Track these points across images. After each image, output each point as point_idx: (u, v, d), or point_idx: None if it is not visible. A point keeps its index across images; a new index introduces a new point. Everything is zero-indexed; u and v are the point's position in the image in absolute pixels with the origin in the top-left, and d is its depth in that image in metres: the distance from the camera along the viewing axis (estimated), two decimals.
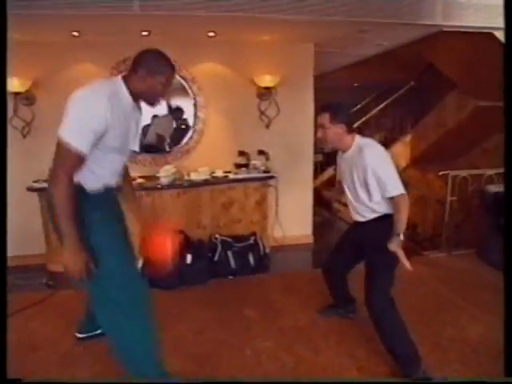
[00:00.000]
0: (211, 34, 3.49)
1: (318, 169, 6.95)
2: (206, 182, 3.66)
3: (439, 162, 5.56)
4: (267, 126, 4.09)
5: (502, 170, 4.00)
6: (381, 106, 7.40)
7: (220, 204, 3.76)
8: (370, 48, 4.36)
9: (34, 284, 3.28)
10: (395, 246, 1.91)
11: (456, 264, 3.63)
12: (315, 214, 4.60)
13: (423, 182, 6.46)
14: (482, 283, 3.17)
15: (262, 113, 4.04)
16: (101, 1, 2.64)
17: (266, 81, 3.85)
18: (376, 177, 1.96)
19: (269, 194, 4.03)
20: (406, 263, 1.89)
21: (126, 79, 1.68)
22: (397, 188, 1.94)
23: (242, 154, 3.94)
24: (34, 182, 3.44)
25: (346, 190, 2.22)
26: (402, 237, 1.91)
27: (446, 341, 2.27)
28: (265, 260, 3.60)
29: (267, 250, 3.76)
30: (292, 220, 4.28)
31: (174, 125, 4.01)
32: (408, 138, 6.75)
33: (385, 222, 2.02)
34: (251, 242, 3.60)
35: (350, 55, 4.88)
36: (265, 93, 3.95)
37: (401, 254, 1.90)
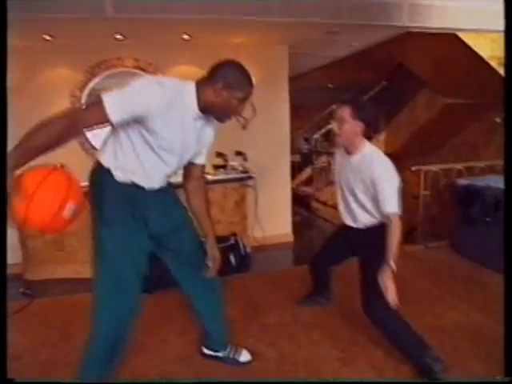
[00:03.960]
0: (186, 36, 3.51)
1: (296, 169, 7.03)
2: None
3: (413, 158, 5.71)
4: (244, 127, 4.11)
5: (469, 164, 4.18)
6: None
7: None
8: (341, 49, 4.47)
9: (10, 294, 3.18)
10: (386, 277, 1.82)
11: (431, 256, 3.76)
12: (294, 213, 4.66)
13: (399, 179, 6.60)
14: (455, 273, 3.29)
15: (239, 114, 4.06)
16: (72, 2, 2.62)
17: None
18: (380, 189, 1.93)
19: (248, 194, 4.06)
20: (392, 299, 1.81)
21: (198, 87, 1.60)
22: (395, 206, 1.91)
23: (219, 155, 3.95)
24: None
25: (345, 192, 2.17)
26: (393, 265, 1.83)
27: (424, 328, 2.35)
28: (246, 259, 3.63)
29: (248, 250, 3.79)
30: (272, 219, 4.33)
31: None
32: (382, 136, 6.91)
33: (382, 230, 1.95)
34: (232, 242, 3.62)
35: (323, 56, 4.98)
36: None
37: (390, 288, 1.81)
